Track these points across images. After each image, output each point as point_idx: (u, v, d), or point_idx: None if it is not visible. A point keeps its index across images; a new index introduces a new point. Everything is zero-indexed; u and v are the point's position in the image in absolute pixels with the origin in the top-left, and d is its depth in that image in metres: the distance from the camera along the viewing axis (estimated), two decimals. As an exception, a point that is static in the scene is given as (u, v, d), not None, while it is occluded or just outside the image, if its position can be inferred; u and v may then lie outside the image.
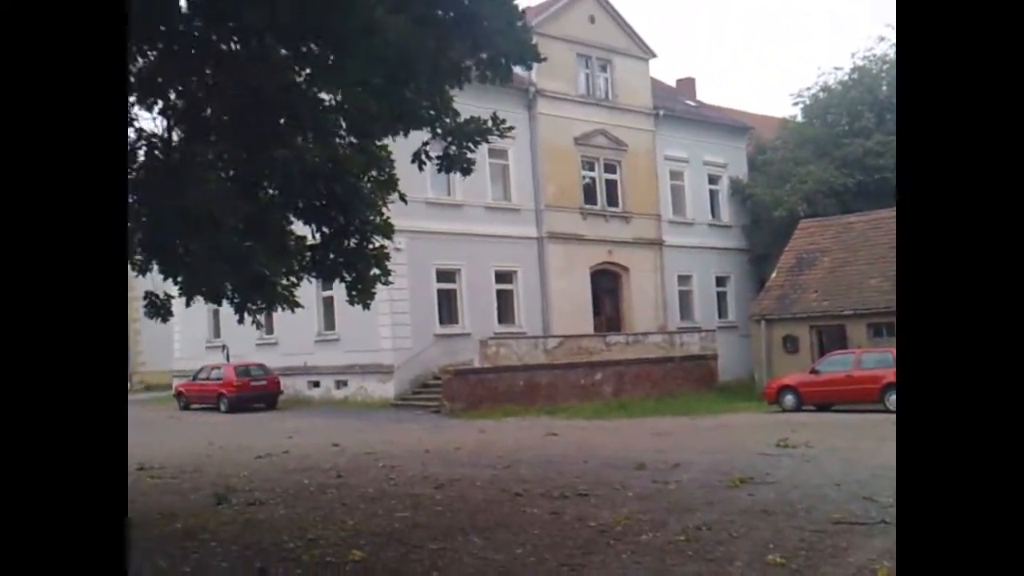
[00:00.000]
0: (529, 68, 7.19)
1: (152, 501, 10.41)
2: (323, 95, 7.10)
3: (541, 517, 8.70)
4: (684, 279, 32.32)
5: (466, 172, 8.09)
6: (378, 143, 8.53)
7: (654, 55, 31.87)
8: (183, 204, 6.42)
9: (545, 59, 7.21)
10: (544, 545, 7.49)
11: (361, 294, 8.66)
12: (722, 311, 33.42)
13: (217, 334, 32.69)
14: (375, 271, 8.65)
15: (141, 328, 41.11)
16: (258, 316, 8.80)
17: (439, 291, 26.14)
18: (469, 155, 7.98)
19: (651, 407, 22.69)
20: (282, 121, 6.80)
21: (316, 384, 27.79)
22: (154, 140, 7.38)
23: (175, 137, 7.56)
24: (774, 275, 27.35)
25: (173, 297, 9.25)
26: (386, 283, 8.98)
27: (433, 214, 24.32)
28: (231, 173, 7.75)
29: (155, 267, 8.79)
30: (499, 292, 27.52)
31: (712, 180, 33.96)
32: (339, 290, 22.36)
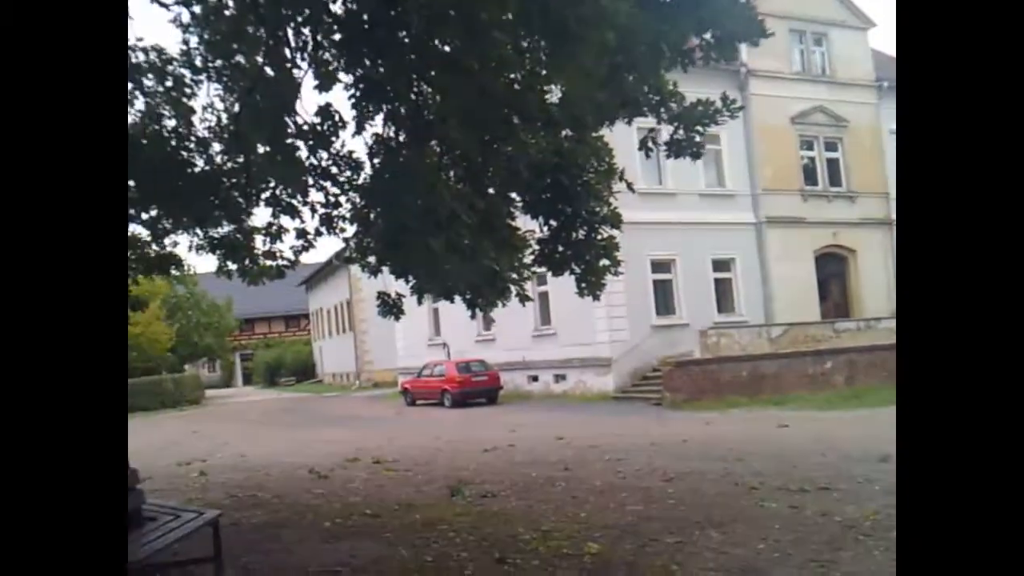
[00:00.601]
0: (756, 44, 6.84)
1: (389, 493, 10.83)
2: (548, 87, 7.09)
3: (780, 512, 8.34)
4: (918, 259, 30.20)
5: (696, 156, 7.86)
6: (595, 133, 8.45)
7: (873, 24, 29.96)
8: (426, 203, 6.58)
9: (772, 34, 6.85)
10: (787, 540, 7.17)
11: (591, 286, 8.61)
12: (962, 292, 30.99)
13: (438, 332, 33.93)
14: (604, 262, 8.58)
15: (368, 328, 43.49)
16: (487, 311, 8.96)
17: (655, 282, 25.80)
18: (697, 139, 7.75)
19: (889, 396, 21.16)
20: (513, 118, 6.84)
21: (535, 378, 28.17)
22: (390, 143, 7.64)
23: (402, 138, 7.79)
24: (1022, 250, 25.02)
25: (404, 296, 9.58)
26: (616, 273, 8.89)
27: (645, 204, 23.71)
28: (456, 172, 7.91)
29: (385, 269, 9.12)
30: (717, 281, 26.79)
31: (945, 152, 31.55)
32: (554, 285, 22.99)
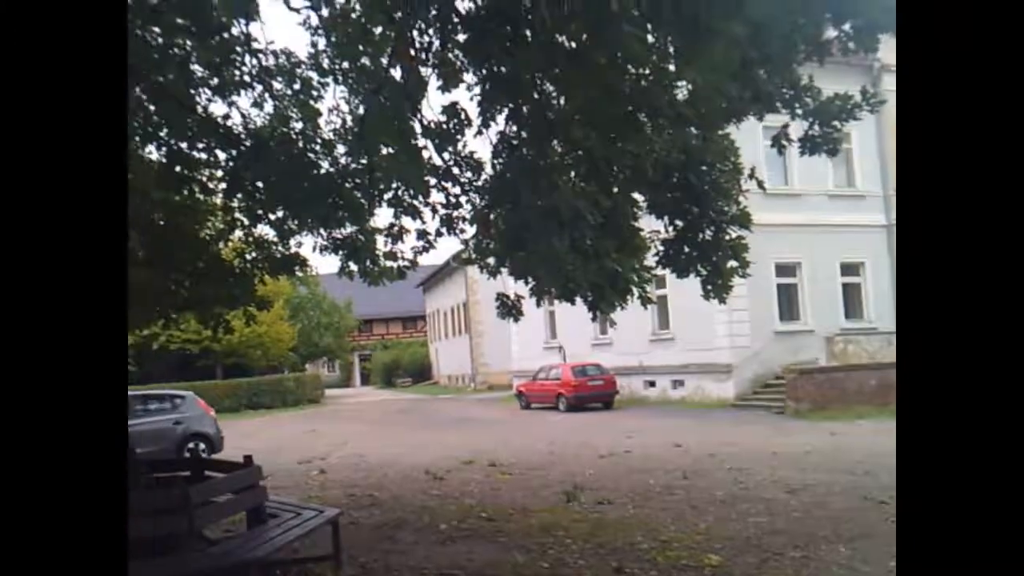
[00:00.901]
0: (899, 35, 6.48)
1: (505, 497, 10.81)
2: (678, 83, 6.90)
3: (912, 528, 7.91)
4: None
5: (832, 153, 7.52)
6: (721, 131, 8.21)
7: (1017, 17, 28.42)
8: (548, 202, 6.50)
9: (920, 23, 6.46)
10: (920, 559, 6.78)
11: (717, 288, 8.36)
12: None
13: (553, 335, 33.90)
14: (732, 263, 8.33)
15: (483, 330, 43.87)
16: (608, 313, 8.81)
17: (779, 286, 25.06)
18: (834, 135, 7.41)
19: (1028, 410, 20.12)
20: (640, 115, 6.68)
21: (652, 384, 27.77)
22: (513, 142, 7.58)
23: (524, 136, 7.72)
24: None
25: (523, 298, 9.51)
26: (744, 276, 8.63)
27: (769, 205, 22.93)
28: (579, 171, 7.79)
29: (504, 271, 9.07)
30: (845, 285, 25.82)
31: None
32: (673, 288, 22.58)
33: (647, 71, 6.56)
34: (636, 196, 8.53)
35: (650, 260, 9.00)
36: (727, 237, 8.35)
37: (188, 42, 8.87)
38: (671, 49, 6.28)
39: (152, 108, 9.32)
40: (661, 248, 8.73)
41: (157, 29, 8.57)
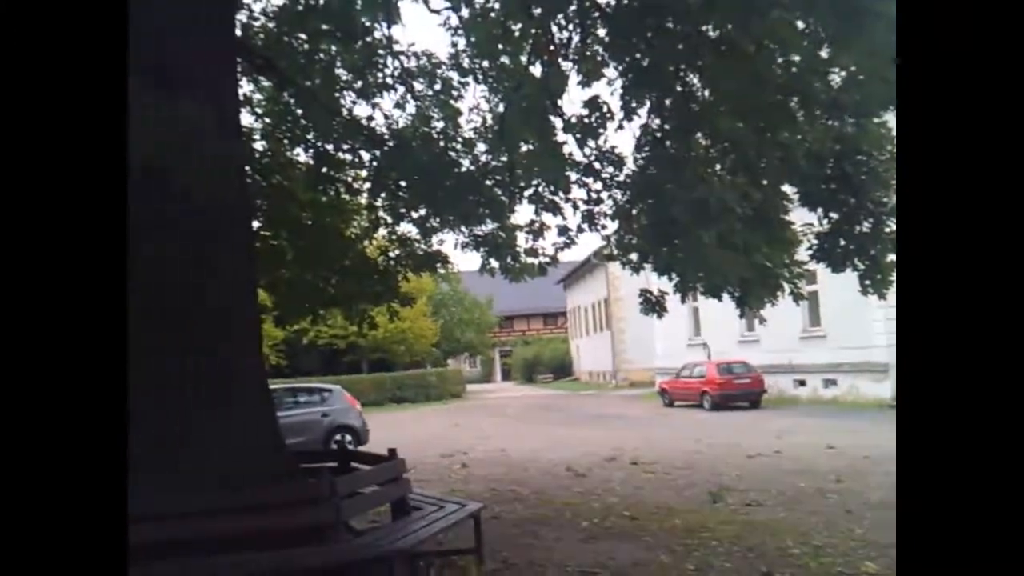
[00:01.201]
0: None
1: (648, 495, 10.63)
2: (831, 69, 6.59)
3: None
4: None
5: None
6: (877, 119, 7.80)
7: None
8: (695, 195, 6.32)
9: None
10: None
11: (876, 284, 7.92)
12: None
13: (697, 332, 33.32)
14: (892, 257, 7.89)
15: (625, 327, 43.55)
16: (757, 310, 8.52)
17: (936, 281, 23.81)
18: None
19: None
20: (791, 103, 6.40)
21: (802, 383, 26.86)
22: (657, 135, 7.44)
23: (668, 128, 7.56)
24: None
25: (667, 294, 9.32)
26: (906, 269, 8.17)
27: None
28: (726, 163, 7.57)
29: (647, 267, 8.92)
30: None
31: None
32: (824, 284, 21.73)
33: (798, 57, 6.27)
34: (786, 188, 8.20)
35: (802, 254, 8.65)
36: (887, 229, 7.89)
37: (333, 47, 9.13)
38: (823, 34, 5.98)
39: (300, 112, 9.65)
40: (815, 242, 8.36)
41: (303, 35, 8.86)
